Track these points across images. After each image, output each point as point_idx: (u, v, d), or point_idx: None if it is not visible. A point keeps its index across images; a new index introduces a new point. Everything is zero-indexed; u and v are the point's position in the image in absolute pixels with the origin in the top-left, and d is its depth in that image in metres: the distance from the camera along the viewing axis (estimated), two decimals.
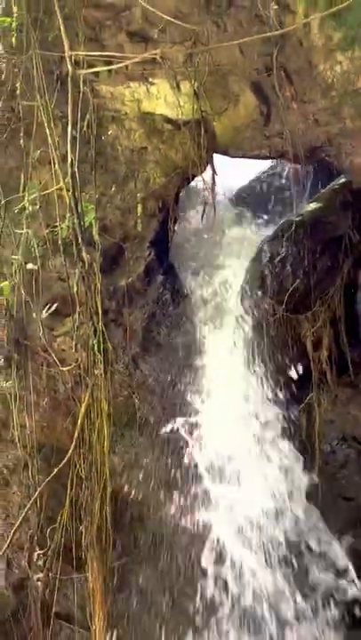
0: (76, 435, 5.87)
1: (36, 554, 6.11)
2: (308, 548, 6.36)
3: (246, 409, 6.70)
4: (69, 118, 5.74)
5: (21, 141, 6.22)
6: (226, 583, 6.26)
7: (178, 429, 6.66)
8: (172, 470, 6.57)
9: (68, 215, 5.85)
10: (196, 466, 6.59)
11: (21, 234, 6.09)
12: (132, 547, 6.39)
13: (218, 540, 6.34)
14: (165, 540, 6.32)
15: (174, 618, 6.12)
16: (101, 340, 5.91)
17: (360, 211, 6.67)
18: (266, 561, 6.28)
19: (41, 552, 6.07)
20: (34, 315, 6.33)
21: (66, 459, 5.78)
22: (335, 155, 6.42)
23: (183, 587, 6.20)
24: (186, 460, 6.61)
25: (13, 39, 6.07)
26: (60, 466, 5.75)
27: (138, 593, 6.34)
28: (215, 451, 6.59)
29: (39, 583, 6.14)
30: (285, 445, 6.63)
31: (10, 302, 6.23)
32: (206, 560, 6.25)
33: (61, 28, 5.70)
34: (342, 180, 6.79)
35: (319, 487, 6.34)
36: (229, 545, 6.32)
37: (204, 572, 6.24)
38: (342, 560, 6.31)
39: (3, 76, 6.29)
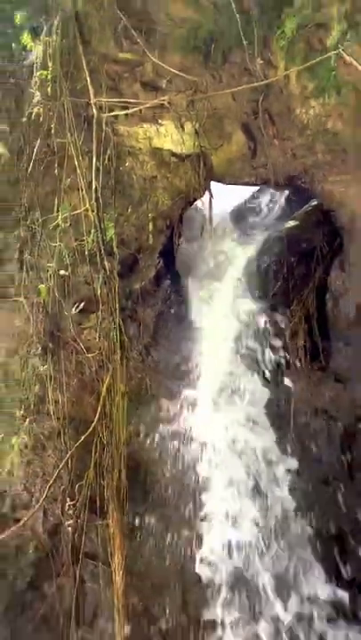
0: (99, 409, 6.10)
1: (67, 505, 6.16)
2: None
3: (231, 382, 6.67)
4: (94, 153, 6.19)
5: (55, 171, 6.39)
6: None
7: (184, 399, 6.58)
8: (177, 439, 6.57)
9: (92, 231, 6.18)
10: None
11: (55, 246, 6.30)
12: (144, 498, 6.38)
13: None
14: (170, 492, 6.35)
15: (177, 552, 6.17)
16: (119, 332, 6.18)
17: (330, 228, 6.62)
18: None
19: (71, 503, 6.13)
20: (65, 312, 6.40)
21: (91, 428, 6.05)
22: (309, 182, 6.47)
23: (182, 527, 6.22)
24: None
25: (49, 89, 6.19)
26: (87, 434, 6.02)
27: (148, 535, 6.29)
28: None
29: (69, 528, 6.16)
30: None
31: (46, 302, 6.34)
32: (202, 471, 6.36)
33: (87, 79, 6.11)
34: (314, 202, 6.79)
35: (295, 448, 6.34)
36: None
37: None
38: None
39: (40, 119, 6.27)
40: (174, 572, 6.21)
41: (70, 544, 6.24)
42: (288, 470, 6.31)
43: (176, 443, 6.58)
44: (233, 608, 6.01)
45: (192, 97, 6.19)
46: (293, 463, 6.32)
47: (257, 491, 6.31)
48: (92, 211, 6.28)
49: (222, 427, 6.52)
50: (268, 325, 6.70)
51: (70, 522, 6.22)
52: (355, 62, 5.41)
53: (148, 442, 6.58)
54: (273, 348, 6.67)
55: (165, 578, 6.23)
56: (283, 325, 6.59)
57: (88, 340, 6.51)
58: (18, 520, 6.27)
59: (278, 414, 6.54)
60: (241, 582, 6.06)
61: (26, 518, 6.19)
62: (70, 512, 6.22)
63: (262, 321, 6.71)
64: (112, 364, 6.27)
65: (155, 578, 6.27)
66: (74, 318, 6.48)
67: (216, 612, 6.01)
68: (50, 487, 6.11)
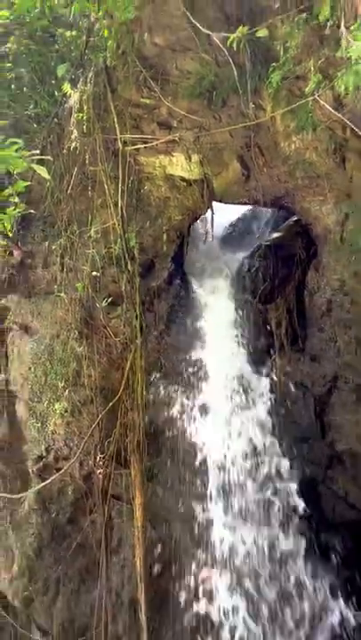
0: (123, 381, 6.16)
1: (98, 457, 6.17)
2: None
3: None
4: (120, 178, 6.23)
5: (89, 193, 6.44)
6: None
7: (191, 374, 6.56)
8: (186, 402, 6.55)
9: (118, 240, 6.25)
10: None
11: (89, 252, 6.34)
12: (159, 452, 6.42)
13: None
14: (179, 448, 6.36)
15: (185, 493, 6.23)
16: (140, 320, 6.26)
17: (307, 238, 6.62)
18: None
19: (101, 456, 6.16)
20: (97, 304, 6.39)
21: (117, 397, 6.15)
22: (291, 202, 6.49)
23: (188, 474, 6.25)
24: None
25: (84, 127, 6.22)
26: (113, 401, 6.12)
27: (161, 480, 6.35)
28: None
29: (100, 475, 6.18)
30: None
31: (81, 296, 6.37)
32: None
33: (114, 120, 6.12)
34: (295, 218, 6.77)
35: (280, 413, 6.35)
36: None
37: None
38: None
39: (77, 151, 6.29)
40: (182, 508, 6.24)
41: (100, 488, 6.25)
42: (274, 426, 6.31)
43: (183, 407, 6.54)
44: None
45: (198, 134, 6.15)
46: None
47: (250, 441, 6.28)
48: (118, 224, 6.31)
49: (223, 394, 6.46)
50: (257, 315, 6.66)
51: (101, 470, 6.23)
52: (327, 106, 5.37)
53: (161, 408, 6.53)
54: (261, 333, 6.64)
55: (175, 513, 6.25)
56: (269, 315, 6.55)
57: (115, 326, 6.47)
58: (59, 469, 6.33)
59: (264, 384, 6.52)
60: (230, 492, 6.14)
61: (66, 467, 6.23)
62: (101, 463, 6.22)
63: (253, 312, 6.67)
64: (134, 346, 6.30)
65: (167, 514, 6.29)
66: (104, 309, 6.44)
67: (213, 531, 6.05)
68: (84, 443, 6.17)
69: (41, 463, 6.51)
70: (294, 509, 6.00)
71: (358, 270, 5.93)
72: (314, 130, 5.64)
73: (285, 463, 6.18)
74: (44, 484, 6.29)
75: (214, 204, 6.76)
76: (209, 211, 6.79)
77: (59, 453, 6.46)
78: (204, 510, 6.08)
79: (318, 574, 5.79)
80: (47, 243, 6.68)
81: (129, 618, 6.08)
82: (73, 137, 6.41)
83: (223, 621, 5.75)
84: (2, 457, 6.66)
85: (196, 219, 7.00)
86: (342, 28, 5.06)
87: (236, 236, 7.72)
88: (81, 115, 6.30)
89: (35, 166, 5.35)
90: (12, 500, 6.51)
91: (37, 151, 5.75)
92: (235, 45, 5.35)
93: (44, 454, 6.50)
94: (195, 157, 6.30)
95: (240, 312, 6.64)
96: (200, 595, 5.89)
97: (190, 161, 6.33)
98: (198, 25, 5.57)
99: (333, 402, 6.20)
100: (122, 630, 6.09)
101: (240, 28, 5.30)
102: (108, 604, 6.13)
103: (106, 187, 6.32)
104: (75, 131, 6.40)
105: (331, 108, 5.35)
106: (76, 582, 6.34)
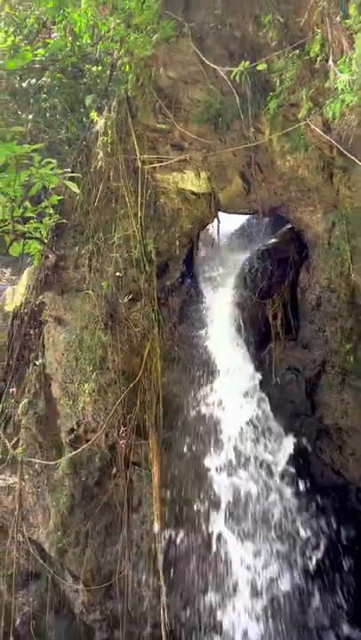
0: (142, 366, 6.25)
1: (121, 429, 6.21)
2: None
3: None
4: (139, 192, 6.24)
5: (113, 205, 6.42)
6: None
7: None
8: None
9: (138, 246, 6.26)
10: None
11: (113, 256, 6.35)
12: (173, 425, 6.37)
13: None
14: (190, 423, 6.31)
15: (194, 460, 6.16)
16: (156, 314, 6.30)
17: (300, 243, 6.56)
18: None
19: (124, 429, 6.20)
20: (119, 300, 6.38)
21: (137, 379, 6.23)
22: (286, 212, 6.43)
23: (198, 444, 6.18)
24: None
25: (108, 149, 6.23)
26: (134, 382, 6.21)
27: (175, 449, 6.27)
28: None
29: (123, 445, 6.23)
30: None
31: (107, 293, 6.37)
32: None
33: (135, 142, 6.12)
34: (289, 225, 6.71)
35: (276, 391, 6.28)
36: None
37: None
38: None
39: (102, 169, 6.31)
40: (193, 474, 6.17)
41: (123, 456, 6.30)
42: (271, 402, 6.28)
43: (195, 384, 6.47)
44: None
45: (205, 154, 6.09)
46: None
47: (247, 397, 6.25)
48: (138, 232, 6.32)
49: (225, 367, 6.40)
50: (256, 309, 6.59)
51: (123, 441, 6.27)
52: (317, 129, 5.34)
53: (176, 387, 6.51)
54: (260, 324, 6.59)
55: (187, 477, 6.20)
56: (266, 309, 6.49)
57: (135, 319, 6.46)
58: (88, 440, 6.40)
59: (263, 368, 6.46)
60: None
61: (94, 439, 6.32)
62: (123, 434, 6.26)
63: (252, 306, 6.61)
64: (151, 335, 6.33)
65: (181, 477, 6.23)
66: (125, 304, 6.44)
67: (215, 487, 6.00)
68: (109, 418, 6.23)
69: (73, 435, 6.54)
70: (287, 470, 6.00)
71: (343, 270, 5.89)
72: (305, 150, 5.58)
73: (281, 432, 6.13)
74: (75, 452, 6.39)
75: (220, 214, 6.73)
76: (215, 220, 6.74)
77: (87, 427, 6.47)
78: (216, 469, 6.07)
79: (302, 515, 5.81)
80: (77, 248, 6.66)
81: (147, 566, 6.11)
82: (99, 157, 6.41)
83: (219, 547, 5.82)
84: (40, 429, 6.68)
85: (205, 227, 6.97)
86: (330, 62, 5.03)
87: (238, 241, 7.62)
88: (106, 138, 6.29)
89: (66, 182, 5.53)
90: (48, 465, 6.55)
91: (69, 170, 5.92)
92: (237, 78, 5.37)
93: (75, 427, 6.52)
94: (203, 174, 6.26)
95: (242, 306, 6.60)
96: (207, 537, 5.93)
97: (199, 177, 6.29)
98: (206, 61, 5.58)
99: (322, 383, 6.15)
100: (141, 576, 6.13)
101: (242, 62, 5.34)
102: (130, 554, 6.18)
103: (127, 200, 6.30)
104: (100, 152, 6.40)
105: (320, 132, 5.31)
106: (103, 536, 6.37)
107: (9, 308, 7.32)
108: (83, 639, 6.47)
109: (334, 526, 5.76)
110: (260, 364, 6.46)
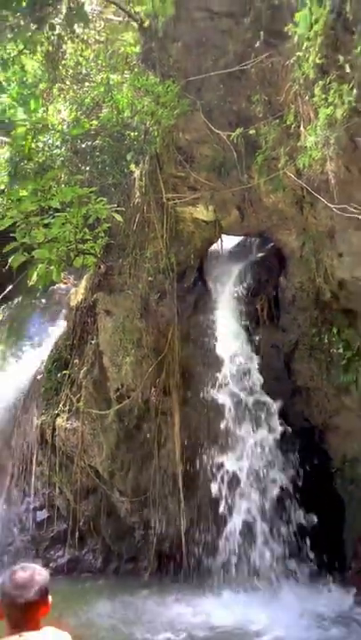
0: (167, 344, 6.41)
1: (152, 389, 6.49)
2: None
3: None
4: (164, 220, 6.41)
5: (145, 230, 6.63)
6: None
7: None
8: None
9: (164, 259, 6.44)
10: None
11: (146, 266, 6.58)
12: (190, 386, 6.53)
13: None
14: (202, 384, 6.43)
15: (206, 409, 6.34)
16: (177, 307, 6.43)
17: (280, 256, 6.53)
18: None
19: (154, 389, 6.49)
20: (150, 297, 6.55)
21: (163, 354, 6.46)
22: (270, 234, 6.52)
23: (207, 398, 6.36)
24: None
25: (143, 190, 6.52)
26: (161, 356, 6.47)
27: (191, 402, 6.45)
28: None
29: (154, 400, 6.49)
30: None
31: (142, 293, 6.58)
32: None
33: (161, 186, 6.36)
34: (272, 244, 6.71)
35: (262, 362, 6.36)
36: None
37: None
38: None
39: (138, 204, 6.56)
40: (206, 420, 6.37)
41: (155, 407, 6.51)
42: (260, 371, 6.37)
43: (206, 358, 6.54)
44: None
45: (212, 193, 6.26)
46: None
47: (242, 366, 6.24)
48: (163, 249, 6.50)
49: (229, 353, 6.43)
50: (249, 303, 6.71)
51: (154, 397, 6.49)
52: (292, 176, 5.49)
53: (191, 360, 6.65)
54: (251, 314, 6.70)
55: (201, 422, 6.38)
56: (256, 304, 6.64)
57: (162, 311, 6.62)
58: (129, 396, 6.62)
59: (253, 344, 6.57)
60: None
61: (133, 396, 6.55)
62: (154, 393, 6.50)
63: (246, 301, 6.74)
64: (173, 323, 6.49)
65: (195, 423, 6.46)
66: (155, 301, 6.61)
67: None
68: (144, 381, 6.45)
69: (118, 393, 6.76)
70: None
71: (310, 276, 6.04)
72: (283, 190, 5.65)
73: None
74: (120, 405, 6.64)
75: (223, 235, 6.91)
76: (219, 239, 6.99)
77: (128, 387, 6.68)
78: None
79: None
80: (121, 260, 6.86)
81: (171, 484, 6.42)
82: (136, 196, 6.69)
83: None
84: (95, 389, 6.92)
85: (212, 244, 7.08)
86: (301, 128, 5.23)
87: (236, 254, 7.59)
88: (141, 183, 6.56)
89: (113, 214, 5.88)
90: (101, 414, 6.80)
91: (115, 205, 6.16)
92: (235, 139, 5.62)
93: (120, 388, 6.74)
94: (210, 207, 6.41)
95: (238, 301, 6.69)
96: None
97: (208, 210, 6.44)
98: (212, 127, 5.84)
99: (296, 356, 6.31)
100: (167, 491, 6.44)
101: (238, 129, 5.60)
102: (159, 476, 6.44)
103: (156, 226, 6.53)
104: (137, 192, 6.68)
105: (294, 177, 5.44)
106: (140, 463, 6.64)
107: (73, 303, 7.60)
108: (126, 535, 6.82)
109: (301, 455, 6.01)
110: (252, 342, 6.60)
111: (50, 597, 1.66)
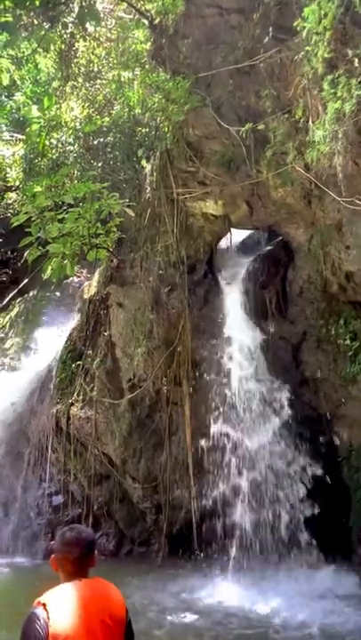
0: (178, 336, 6.41)
1: (163, 379, 6.48)
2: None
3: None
4: (175, 215, 6.38)
5: (157, 224, 6.59)
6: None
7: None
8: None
9: (174, 252, 6.44)
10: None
11: (157, 259, 6.60)
12: (200, 376, 6.51)
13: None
14: (208, 370, 6.45)
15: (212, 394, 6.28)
16: (187, 299, 6.46)
17: (288, 249, 6.48)
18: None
19: (165, 378, 6.48)
20: (161, 290, 6.57)
21: (174, 345, 6.45)
22: (278, 228, 6.47)
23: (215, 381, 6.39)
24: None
25: (154, 185, 6.50)
26: (172, 347, 6.44)
27: (199, 387, 6.32)
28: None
29: (165, 390, 6.54)
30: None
31: (153, 285, 6.59)
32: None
33: (172, 181, 6.31)
34: (281, 237, 6.63)
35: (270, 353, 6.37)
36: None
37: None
38: None
39: (149, 199, 6.51)
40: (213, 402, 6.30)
41: (166, 396, 6.54)
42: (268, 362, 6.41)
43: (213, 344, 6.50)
44: None
45: (221, 188, 6.22)
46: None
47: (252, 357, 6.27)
48: (174, 243, 6.50)
49: (238, 344, 6.42)
50: (257, 296, 6.66)
51: (165, 387, 6.52)
52: (300, 170, 5.39)
53: (202, 350, 6.62)
54: (259, 307, 6.63)
55: (207, 406, 6.34)
56: (264, 296, 6.60)
57: (172, 303, 6.66)
58: (141, 386, 6.67)
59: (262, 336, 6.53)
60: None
61: (145, 385, 6.59)
62: (165, 383, 6.52)
63: (255, 294, 6.69)
64: (184, 315, 6.51)
65: (201, 392, 6.36)
66: (165, 293, 6.63)
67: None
68: (155, 371, 6.48)
69: (130, 383, 6.84)
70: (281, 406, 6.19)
71: (318, 269, 6.00)
72: (292, 184, 5.61)
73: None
74: (132, 395, 6.69)
75: (232, 229, 6.85)
76: (229, 233, 6.93)
77: (140, 377, 6.75)
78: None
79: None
80: (132, 254, 6.90)
81: (182, 471, 6.46)
82: (147, 191, 6.69)
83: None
84: (108, 379, 7.01)
85: (221, 238, 7.04)
86: (310, 122, 5.09)
87: (245, 248, 7.55)
88: (152, 178, 6.56)
89: (125, 209, 5.84)
90: (114, 403, 6.87)
91: (127, 200, 6.10)
92: (244, 134, 5.50)
93: (132, 378, 6.82)
94: (220, 202, 6.39)
95: (247, 293, 6.66)
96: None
97: (217, 204, 6.43)
98: (222, 123, 5.76)
99: (303, 347, 6.31)
100: (178, 478, 6.48)
101: (247, 124, 5.48)
102: (170, 463, 6.49)
103: (166, 220, 6.52)
104: (148, 188, 6.68)
105: (302, 171, 5.36)
106: (152, 451, 6.72)
107: (86, 296, 7.68)
108: (138, 519, 6.92)
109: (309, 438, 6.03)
110: (261, 333, 6.55)
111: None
